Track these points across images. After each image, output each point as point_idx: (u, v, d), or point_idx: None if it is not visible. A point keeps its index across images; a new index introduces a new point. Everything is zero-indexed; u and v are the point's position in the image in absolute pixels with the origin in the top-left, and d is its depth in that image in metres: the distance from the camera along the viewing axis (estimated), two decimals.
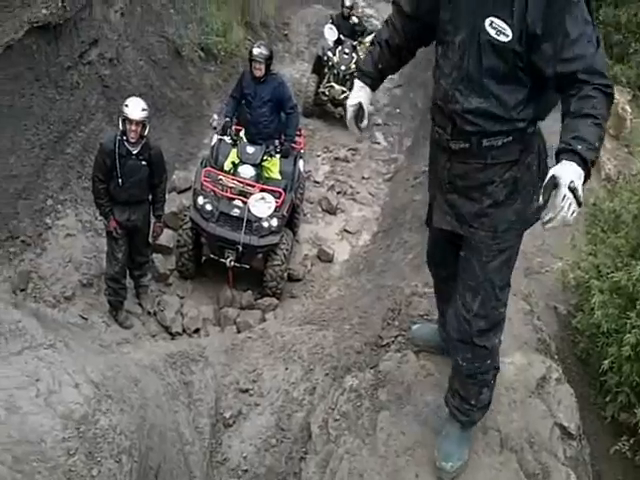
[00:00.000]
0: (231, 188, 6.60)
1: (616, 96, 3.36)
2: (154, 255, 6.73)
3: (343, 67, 9.52)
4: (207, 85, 9.40)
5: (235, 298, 6.63)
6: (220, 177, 6.65)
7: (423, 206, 3.49)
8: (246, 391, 3.69)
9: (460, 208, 2.53)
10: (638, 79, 7.20)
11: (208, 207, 6.42)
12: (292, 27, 12.30)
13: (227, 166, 6.85)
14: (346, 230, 8.09)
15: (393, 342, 3.52)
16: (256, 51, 6.76)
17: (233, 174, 6.74)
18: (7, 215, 6.25)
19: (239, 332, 5.65)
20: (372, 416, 3.09)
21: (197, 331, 6.28)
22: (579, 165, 2.00)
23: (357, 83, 2.73)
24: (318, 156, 9.26)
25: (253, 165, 6.76)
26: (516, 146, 2.39)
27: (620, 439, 3.48)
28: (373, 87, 2.74)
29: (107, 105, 7.58)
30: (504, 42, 2.21)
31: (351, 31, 9.81)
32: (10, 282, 6.01)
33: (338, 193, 8.65)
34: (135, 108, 5.50)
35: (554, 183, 1.97)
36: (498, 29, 2.20)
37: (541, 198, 2.01)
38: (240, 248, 6.37)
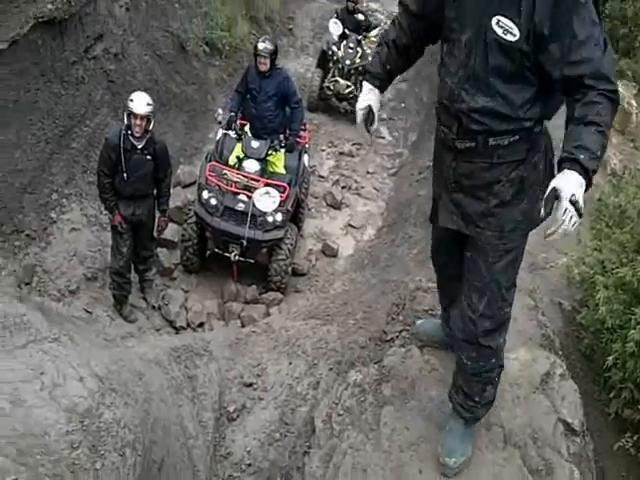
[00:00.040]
0: (236, 182, 6.60)
1: (622, 90, 3.34)
2: (159, 249, 6.74)
3: (348, 61, 9.47)
4: (212, 80, 9.39)
5: (239, 292, 6.64)
6: (225, 171, 6.65)
7: (428, 201, 3.48)
8: (250, 385, 3.70)
9: (466, 207, 2.51)
10: None
11: (213, 201, 6.42)
12: (297, 21, 12.25)
13: (232, 160, 6.85)
14: (351, 225, 8.07)
15: (397, 337, 3.52)
16: (261, 46, 6.75)
17: (238, 168, 6.74)
18: (12, 209, 6.27)
19: (243, 326, 5.66)
20: (376, 411, 3.08)
21: (201, 325, 6.29)
22: (580, 174, 2.01)
23: (366, 85, 2.70)
24: (323, 151, 9.24)
25: (258, 160, 6.76)
26: (523, 145, 2.37)
27: (624, 435, 3.48)
28: (382, 89, 2.71)
29: (112, 100, 7.59)
30: (511, 41, 2.18)
31: (356, 25, 9.73)
32: (15, 276, 6.03)
33: (343, 188, 8.63)
34: (140, 103, 5.51)
35: (555, 195, 1.99)
36: (505, 28, 2.18)
37: (542, 210, 2.02)
38: (245, 242, 6.38)
